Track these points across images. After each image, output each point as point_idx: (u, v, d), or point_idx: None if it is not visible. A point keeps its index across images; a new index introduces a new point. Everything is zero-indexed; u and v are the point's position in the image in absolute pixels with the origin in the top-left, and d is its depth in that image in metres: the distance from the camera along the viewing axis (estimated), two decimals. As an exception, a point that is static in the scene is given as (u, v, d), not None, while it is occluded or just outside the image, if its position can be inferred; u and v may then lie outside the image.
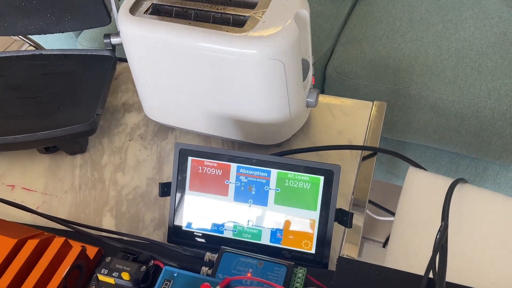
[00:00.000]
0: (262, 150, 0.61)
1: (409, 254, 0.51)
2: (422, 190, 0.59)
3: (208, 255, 0.45)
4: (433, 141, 0.98)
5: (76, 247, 0.44)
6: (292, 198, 0.47)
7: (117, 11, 0.62)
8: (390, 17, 1.04)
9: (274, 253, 0.48)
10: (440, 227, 0.37)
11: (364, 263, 0.39)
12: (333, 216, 0.47)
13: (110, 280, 0.42)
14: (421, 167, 0.63)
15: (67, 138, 0.58)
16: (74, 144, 0.61)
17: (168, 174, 0.60)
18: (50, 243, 0.43)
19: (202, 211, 0.50)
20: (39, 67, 0.69)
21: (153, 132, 0.65)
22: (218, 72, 0.51)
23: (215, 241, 0.50)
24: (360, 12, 1.09)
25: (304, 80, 0.57)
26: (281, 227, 0.48)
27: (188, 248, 0.47)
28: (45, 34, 0.69)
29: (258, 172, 0.48)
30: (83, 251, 0.44)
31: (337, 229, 0.52)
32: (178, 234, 0.51)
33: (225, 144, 0.64)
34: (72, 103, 0.62)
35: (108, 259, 0.43)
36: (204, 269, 0.43)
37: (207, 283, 0.40)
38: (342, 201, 0.55)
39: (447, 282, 0.35)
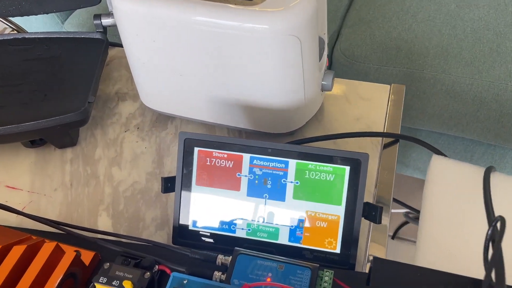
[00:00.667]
0: (272, 139, 0.57)
1: (443, 252, 0.47)
2: (449, 180, 0.55)
3: (221, 258, 0.41)
4: (448, 127, 0.94)
5: (69, 252, 0.40)
6: (313, 191, 0.43)
7: (108, -14, 0.57)
8: (399, -4, 1.00)
9: (293, 254, 0.44)
10: (493, 222, 0.33)
11: (405, 265, 0.35)
12: (360, 210, 0.42)
13: (110, 290, 0.38)
14: (444, 155, 0.59)
15: (55, 130, 0.54)
16: (64, 136, 0.57)
17: (169, 168, 0.56)
18: (39, 248, 0.39)
19: (211, 208, 0.46)
20: (22, 52, 0.64)
21: (150, 121, 0.61)
22: (226, 51, 0.47)
23: (226, 242, 0.45)
24: (366, -8, 1.05)
25: (319, 61, 0.52)
26: (301, 225, 0.44)
27: (197, 250, 0.43)
28: (27, 15, 0.64)
29: (274, 163, 0.44)
30: (77, 257, 0.40)
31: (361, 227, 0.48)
32: (184, 235, 0.46)
33: (231, 134, 0.59)
34: (60, 91, 0.58)
35: (106, 265, 0.39)
36: (217, 274, 0.39)
37: (224, 292, 0.35)
38: (365, 195, 0.51)
39: (508, 286, 0.31)
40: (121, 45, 0.69)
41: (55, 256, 0.39)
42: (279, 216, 0.44)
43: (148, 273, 0.39)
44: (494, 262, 0.32)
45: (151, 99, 0.58)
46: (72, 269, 0.39)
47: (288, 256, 0.41)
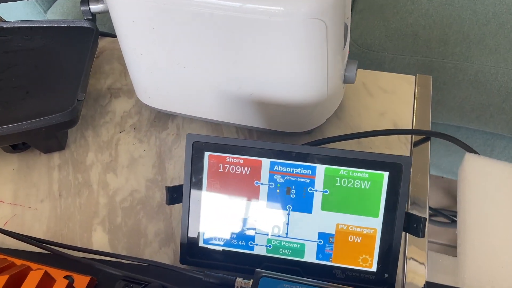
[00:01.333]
0: (288, 139, 0.52)
1: (491, 264, 0.42)
2: (487, 181, 0.51)
3: (240, 282, 0.37)
4: (469, 120, 0.90)
5: (60, 280, 0.36)
6: (345, 201, 0.38)
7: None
8: (413, -22, 0.96)
9: (322, 273, 0.40)
10: None
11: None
12: (401, 223, 0.38)
13: (111, 326, 0.33)
14: (476, 153, 0.55)
15: (40, 132, 0.49)
16: (50, 139, 0.53)
17: (172, 173, 0.51)
18: (25, 277, 0.34)
19: (225, 222, 0.41)
20: (0, 43, 0.58)
21: (148, 121, 0.56)
22: (238, 38, 0.42)
23: (243, 261, 0.41)
24: (376, -25, 1.00)
25: (343, 48, 0.47)
26: (330, 240, 0.39)
27: (210, 272, 0.38)
28: (5, 2, 0.59)
29: (299, 169, 0.39)
30: (70, 285, 0.35)
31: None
32: (194, 253, 0.41)
33: (241, 134, 0.54)
34: (45, 88, 0.53)
35: (105, 294, 0.34)
36: (237, 302, 0.34)
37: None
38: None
39: None
40: (113, 35, 0.65)
41: (44, 287, 0.34)
42: (305, 230, 0.40)
43: (155, 303, 0.34)
44: None
45: (149, 96, 0.54)
46: (64, 300, 0.34)
47: (316, 276, 0.38)
